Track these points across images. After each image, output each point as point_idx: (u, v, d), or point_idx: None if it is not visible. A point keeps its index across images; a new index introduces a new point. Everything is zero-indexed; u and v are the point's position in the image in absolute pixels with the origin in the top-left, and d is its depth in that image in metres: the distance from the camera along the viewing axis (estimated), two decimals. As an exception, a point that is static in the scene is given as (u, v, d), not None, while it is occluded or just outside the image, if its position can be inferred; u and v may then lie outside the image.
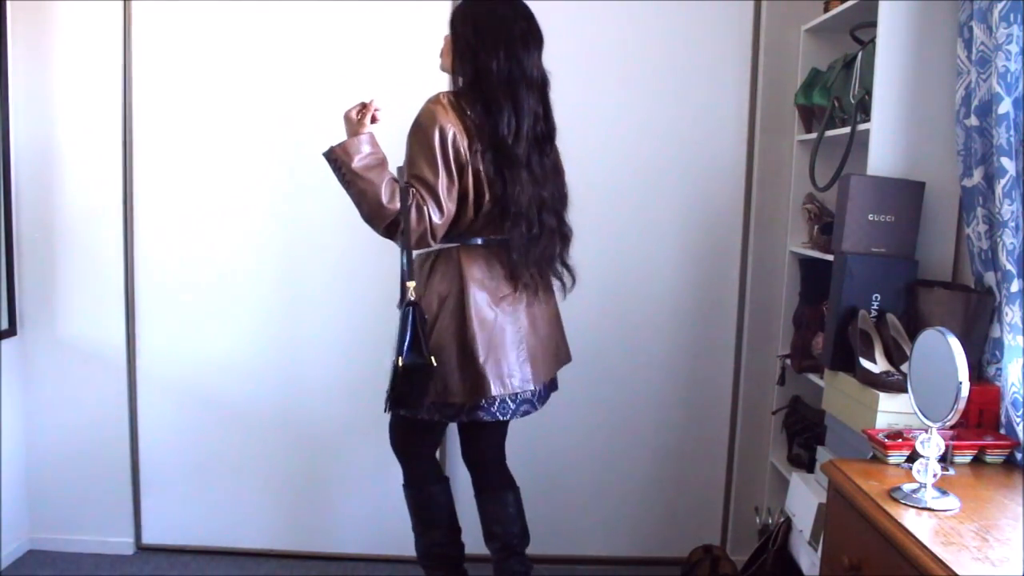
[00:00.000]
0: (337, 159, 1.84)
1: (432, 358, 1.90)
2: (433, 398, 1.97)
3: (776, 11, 2.50)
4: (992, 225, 1.71)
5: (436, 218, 1.87)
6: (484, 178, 1.91)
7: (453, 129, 1.87)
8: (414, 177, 1.88)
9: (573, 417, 2.65)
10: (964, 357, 1.39)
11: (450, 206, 1.89)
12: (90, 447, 2.66)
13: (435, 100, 1.91)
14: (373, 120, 1.92)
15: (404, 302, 1.91)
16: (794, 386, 2.47)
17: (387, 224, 1.87)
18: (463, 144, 1.88)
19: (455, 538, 2.23)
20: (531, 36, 1.96)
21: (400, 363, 1.87)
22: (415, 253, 1.95)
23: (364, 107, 1.90)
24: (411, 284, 1.91)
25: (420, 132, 1.88)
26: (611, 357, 2.63)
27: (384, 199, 1.84)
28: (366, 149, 1.87)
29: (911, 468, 1.47)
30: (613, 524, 2.71)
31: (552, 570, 2.69)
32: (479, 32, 1.92)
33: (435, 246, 1.96)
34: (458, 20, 1.96)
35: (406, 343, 1.88)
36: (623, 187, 2.56)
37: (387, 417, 2.13)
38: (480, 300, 1.97)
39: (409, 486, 2.19)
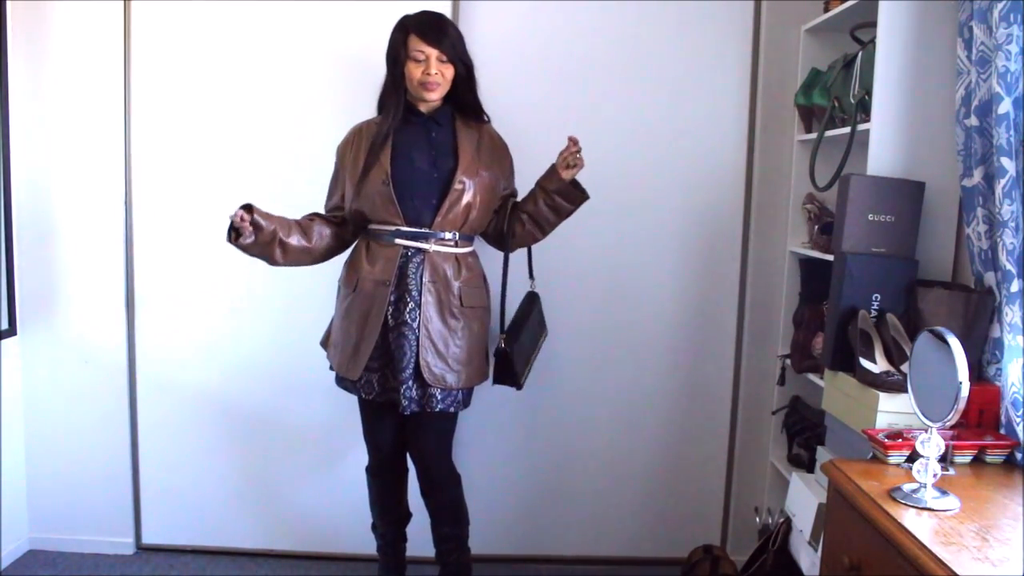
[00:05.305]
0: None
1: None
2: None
3: (776, 11, 2.50)
4: (992, 225, 1.71)
5: None
6: None
7: None
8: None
9: (573, 417, 2.65)
10: (964, 357, 1.39)
11: None
12: (90, 447, 2.66)
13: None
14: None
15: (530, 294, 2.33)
16: (794, 386, 2.47)
17: None
18: None
19: None
20: None
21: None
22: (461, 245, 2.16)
23: None
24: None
25: (508, 155, 2.23)
26: (611, 357, 2.63)
27: None
28: None
29: (911, 468, 1.47)
30: (613, 524, 2.71)
31: (552, 570, 2.69)
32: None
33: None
34: (462, 50, 2.10)
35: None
36: (623, 187, 2.56)
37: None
38: None
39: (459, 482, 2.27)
